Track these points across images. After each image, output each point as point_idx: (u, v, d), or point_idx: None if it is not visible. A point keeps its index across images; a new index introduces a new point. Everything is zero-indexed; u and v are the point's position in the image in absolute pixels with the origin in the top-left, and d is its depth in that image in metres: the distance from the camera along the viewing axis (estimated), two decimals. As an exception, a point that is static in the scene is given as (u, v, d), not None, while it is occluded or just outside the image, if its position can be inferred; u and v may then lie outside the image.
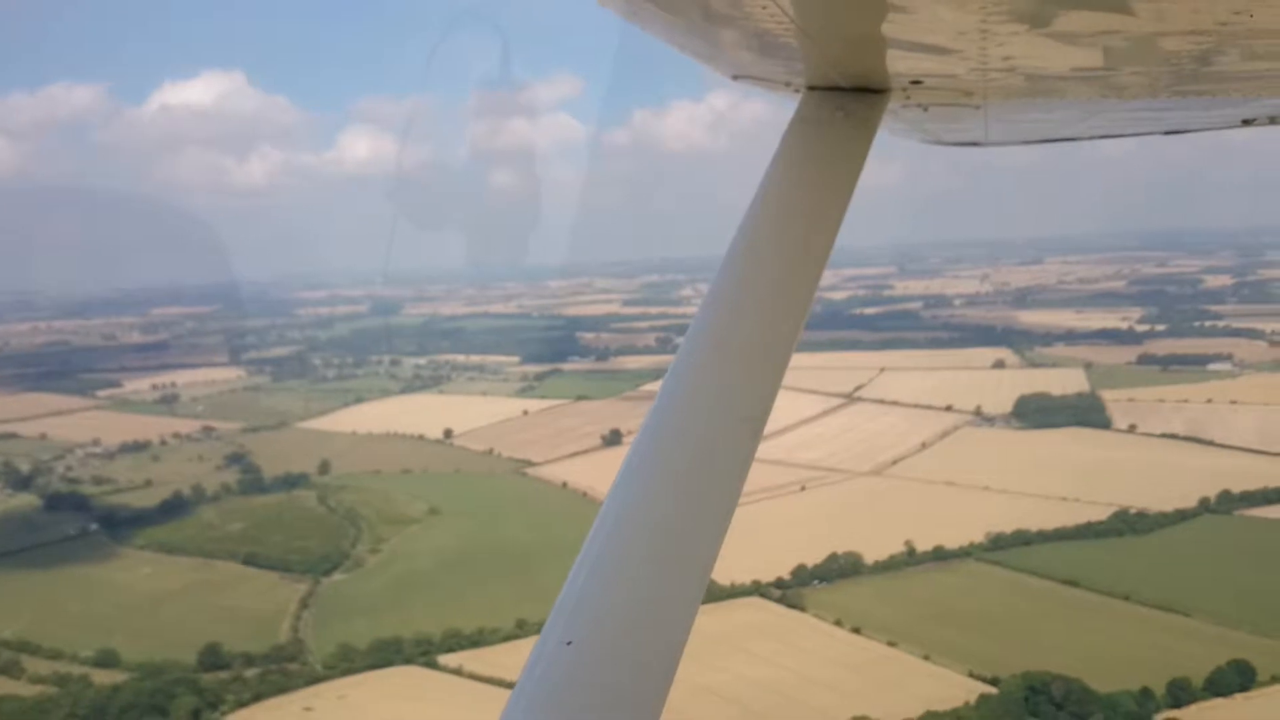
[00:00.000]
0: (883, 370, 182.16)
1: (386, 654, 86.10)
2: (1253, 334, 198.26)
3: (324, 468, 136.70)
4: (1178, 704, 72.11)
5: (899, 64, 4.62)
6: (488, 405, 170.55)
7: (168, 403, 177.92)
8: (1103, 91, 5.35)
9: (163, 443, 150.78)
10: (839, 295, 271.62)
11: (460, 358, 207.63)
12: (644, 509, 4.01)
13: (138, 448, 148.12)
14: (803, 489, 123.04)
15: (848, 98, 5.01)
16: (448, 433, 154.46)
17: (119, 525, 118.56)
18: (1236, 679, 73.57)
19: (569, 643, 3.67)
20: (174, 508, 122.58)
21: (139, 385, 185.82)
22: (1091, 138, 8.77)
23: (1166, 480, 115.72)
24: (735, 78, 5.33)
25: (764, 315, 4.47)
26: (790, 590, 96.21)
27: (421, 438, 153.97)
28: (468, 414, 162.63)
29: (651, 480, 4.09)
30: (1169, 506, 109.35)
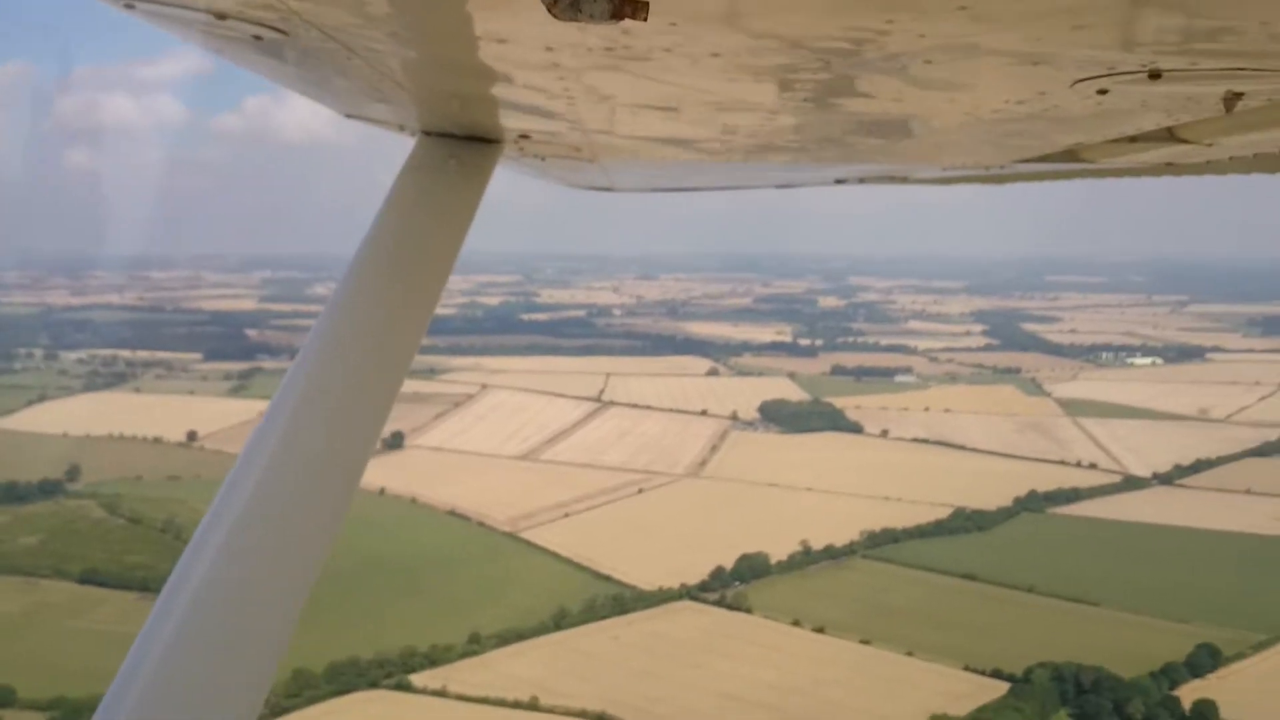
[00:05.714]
0: (609, 375, 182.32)
1: (349, 678, 75.49)
2: (905, 349, 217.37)
3: (73, 473, 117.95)
4: (1174, 685, 77.04)
5: (507, 119, 4.73)
6: (209, 405, 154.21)
7: None
8: (698, 156, 5.67)
9: None
10: (492, 300, 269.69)
11: (126, 353, 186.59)
12: (248, 528, 3.98)
13: None
14: (640, 491, 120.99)
15: (461, 146, 5.08)
16: (191, 435, 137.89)
17: None
18: (1210, 661, 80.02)
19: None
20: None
21: None
22: (713, 189, 9.37)
23: (977, 481, 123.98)
24: (349, 116, 5.32)
25: (369, 357, 4.40)
26: (715, 592, 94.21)
27: (158, 440, 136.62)
28: (196, 415, 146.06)
29: (255, 504, 4.02)
30: (988, 505, 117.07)
